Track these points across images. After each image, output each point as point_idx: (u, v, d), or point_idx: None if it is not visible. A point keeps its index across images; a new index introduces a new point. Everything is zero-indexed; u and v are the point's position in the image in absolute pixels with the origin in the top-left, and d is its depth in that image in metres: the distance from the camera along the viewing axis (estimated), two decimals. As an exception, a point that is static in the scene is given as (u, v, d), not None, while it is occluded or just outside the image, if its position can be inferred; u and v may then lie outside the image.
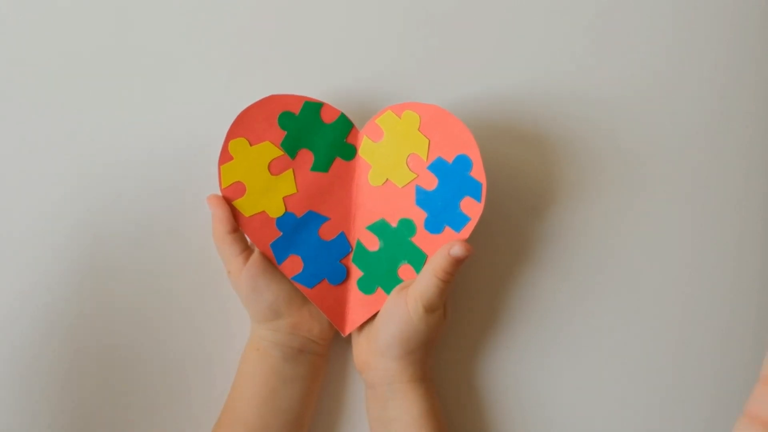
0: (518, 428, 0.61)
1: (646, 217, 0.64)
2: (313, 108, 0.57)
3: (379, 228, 0.58)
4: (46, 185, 0.61)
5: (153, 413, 0.59)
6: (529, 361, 0.62)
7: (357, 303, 0.58)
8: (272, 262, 0.56)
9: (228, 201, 0.56)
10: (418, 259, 0.56)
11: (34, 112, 0.62)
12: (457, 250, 0.52)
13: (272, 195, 0.57)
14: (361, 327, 0.58)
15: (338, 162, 0.58)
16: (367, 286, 0.57)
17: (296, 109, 0.57)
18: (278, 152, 0.57)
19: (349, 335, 0.58)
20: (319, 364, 0.58)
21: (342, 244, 0.58)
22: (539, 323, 0.62)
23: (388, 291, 0.57)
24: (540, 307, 0.62)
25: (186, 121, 0.62)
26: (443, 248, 0.53)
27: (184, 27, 0.63)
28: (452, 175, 0.55)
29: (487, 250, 0.62)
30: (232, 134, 0.56)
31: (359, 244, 0.58)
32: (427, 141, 0.56)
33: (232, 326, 0.60)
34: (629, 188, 0.64)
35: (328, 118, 0.58)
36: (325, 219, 0.58)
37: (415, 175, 0.57)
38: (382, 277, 0.57)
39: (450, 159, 0.55)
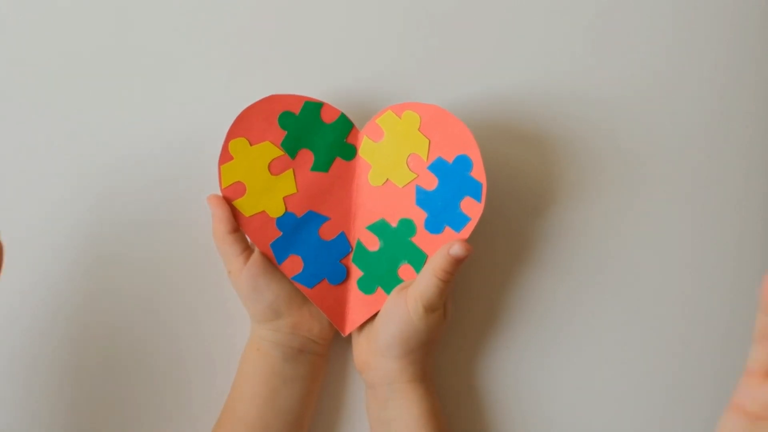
0: (518, 428, 0.61)
1: (646, 217, 0.64)
2: (314, 108, 0.57)
3: (379, 228, 0.58)
4: (46, 185, 0.61)
5: (153, 413, 0.59)
6: (529, 361, 0.62)
7: (357, 303, 0.57)
8: (272, 262, 0.56)
9: (228, 201, 0.56)
10: (418, 259, 0.56)
11: (34, 112, 0.62)
12: (457, 249, 0.52)
13: (272, 195, 0.57)
14: (361, 327, 0.58)
15: (338, 162, 0.58)
16: (367, 286, 0.57)
17: (296, 109, 0.57)
18: (278, 152, 0.57)
19: (349, 335, 0.58)
20: (319, 364, 0.58)
21: (342, 244, 0.58)
22: (539, 323, 0.62)
23: (388, 291, 0.57)
24: (540, 307, 0.62)
25: (186, 120, 0.62)
26: (443, 248, 0.53)
27: (184, 27, 0.63)
28: (452, 175, 0.55)
29: (487, 250, 0.62)
30: (232, 134, 0.56)
31: (359, 244, 0.58)
32: (428, 141, 0.56)
33: (233, 326, 0.60)
34: (629, 188, 0.64)
35: (328, 118, 0.57)
36: (325, 219, 0.58)
37: (416, 175, 0.57)
38: (382, 277, 0.57)
39: (450, 159, 0.55)
